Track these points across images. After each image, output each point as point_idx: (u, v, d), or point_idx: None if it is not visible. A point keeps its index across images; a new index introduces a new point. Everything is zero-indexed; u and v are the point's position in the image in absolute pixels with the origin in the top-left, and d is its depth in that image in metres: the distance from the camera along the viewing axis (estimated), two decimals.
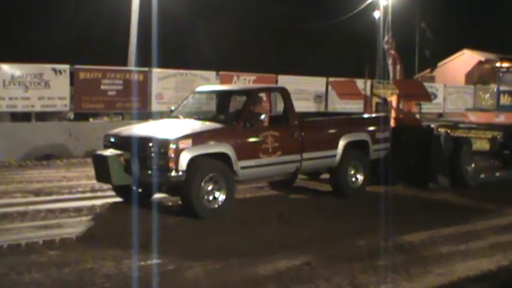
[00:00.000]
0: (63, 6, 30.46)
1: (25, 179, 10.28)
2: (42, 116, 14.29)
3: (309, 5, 41.69)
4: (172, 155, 7.25)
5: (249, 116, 8.14)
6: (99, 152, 8.05)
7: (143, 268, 5.57)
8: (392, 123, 10.95)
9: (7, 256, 5.83)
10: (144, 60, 17.58)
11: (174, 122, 8.60)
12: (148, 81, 15.23)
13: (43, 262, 5.64)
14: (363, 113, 12.71)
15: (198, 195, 7.40)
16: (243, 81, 17.03)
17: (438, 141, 10.36)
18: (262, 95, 9.47)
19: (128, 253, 5.95)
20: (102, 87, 14.41)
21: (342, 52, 37.66)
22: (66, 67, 13.83)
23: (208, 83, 14.95)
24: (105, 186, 8.68)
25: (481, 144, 11.76)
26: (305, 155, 8.64)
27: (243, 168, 7.87)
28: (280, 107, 9.43)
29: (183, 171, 7.29)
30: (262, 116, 8.23)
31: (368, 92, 16.44)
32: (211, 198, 7.59)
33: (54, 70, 13.60)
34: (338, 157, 9.05)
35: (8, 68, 13.07)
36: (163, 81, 15.55)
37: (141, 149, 7.50)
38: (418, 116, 13.45)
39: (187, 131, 7.70)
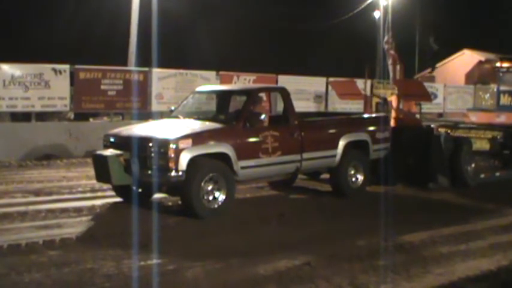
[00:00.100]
0: (63, 6, 30.46)
1: (25, 179, 10.28)
2: (42, 116, 14.30)
3: (309, 5, 41.69)
4: (172, 155, 7.25)
5: (249, 116, 8.14)
6: (99, 152, 8.04)
7: (143, 268, 5.57)
8: (392, 123, 10.95)
9: (7, 256, 5.83)
10: (144, 60, 17.59)
11: (174, 122, 8.60)
12: (149, 81, 15.23)
13: (43, 262, 5.64)
14: (363, 113, 12.72)
15: (198, 195, 7.40)
16: (243, 81, 17.03)
17: (438, 141, 10.36)
18: (262, 95, 9.47)
19: (128, 253, 5.95)
20: (102, 87, 14.41)
21: (342, 52, 37.66)
22: (66, 67, 13.83)
23: (209, 83, 14.95)
24: (105, 186, 8.68)
25: (481, 144, 11.76)
26: (305, 155, 8.64)
27: (243, 168, 7.87)
28: (280, 107, 9.43)
29: (183, 171, 7.29)
30: (262, 116, 8.23)
31: (368, 92, 16.44)
32: (211, 198, 7.59)
33: (54, 70, 13.60)
34: (338, 157, 9.05)
35: (8, 68, 13.07)
36: (164, 81, 15.55)
37: (141, 149, 7.49)
38: (418, 116, 13.47)
39: (187, 131, 7.70)
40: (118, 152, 7.75)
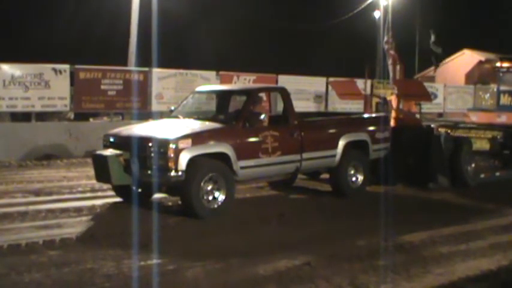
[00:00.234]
0: (63, 6, 30.48)
1: (25, 179, 10.28)
2: (42, 116, 14.30)
3: (309, 5, 41.76)
4: (172, 155, 7.25)
5: (248, 116, 8.14)
6: (98, 152, 8.04)
7: (143, 268, 5.57)
8: (392, 123, 10.95)
9: (7, 256, 5.83)
10: (144, 60, 17.60)
11: (173, 122, 8.60)
12: (149, 81, 15.23)
13: (43, 262, 5.64)
14: (363, 113, 12.72)
15: (197, 195, 7.40)
16: (243, 81, 17.03)
17: (438, 141, 10.36)
18: (262, 95, 9.47)
19: (128, 253, 5.95)
20: (102, 87, 14.41)
21: (342, 52, 37.68)
22: (66, 67, 13.83)
23: (209, 83, 14.95)
24: (105, 186, 8.68)
25: (481, 144, 11.76)
26: (305, 155, 8.63)
27: (242, 168, 7.87)
28: (280, 107, 9.43)
29: (182, 171, 7.29)
30: (262, 116, 8.23)
31: (368, 92, 16.44)
32: (210, 198, 7.59)
33: (54, 70, 13.60)
34: (338, 157, 9.05)
35: (8, 68, 13.07)
36: (164, 81, 15.55)
37: (140, 149, 7.49)
38: (418, 116, 13.47)
39: (187, 131, 7.70)
40: (118, 152, 7.75)
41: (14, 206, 7.99)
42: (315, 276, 5.41)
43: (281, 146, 8.31)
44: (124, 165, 7.65)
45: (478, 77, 30.74)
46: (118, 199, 8.40)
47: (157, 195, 8.29)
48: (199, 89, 9.99)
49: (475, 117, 18.56)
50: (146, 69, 15.55)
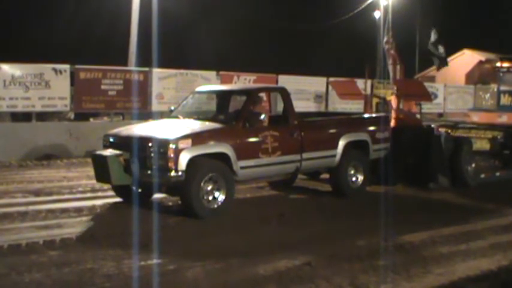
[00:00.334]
0: (63, 6, 30.49)
1: (25, 179, 10.29)
2: (42, 116, 14.30)
3: (309, 5, 41.76)
4: (172, 155, 7.25)
5: (248, 116, 8.14)
6: (98, 152, 8.04)
7: (143, 268, 5.57)
8: (392, 123, 10.94)
9: (7, 256, 5.83)
10: (145, 60, 17.60)
11: (173, 122, 8.60)
12: (149, 81, 15.23)
13: (43, 262, 5.64)
14: (363, 113, 12.71)
15: (197, 195, 7.40)
16: (244, 81, 17.03)
17: (438, 141, 10.36)
18: (262, 95, 9.47)
19: (128, 253, 5.95)
20: (103, 87, 14.41)
21: (342, 52, 37.67)
22: (66, 67, 13.83)
23: (209, 83, 14.95)
24: (106, 186, 8.68)
25: (481, 144, 11.76)
26: (305, 155, 8.63)
27: (242, 168, 7.87)
28: (280, 107, 9.43)
29: (182, 171, 7.29)
30: (262, 116, 8.23)
31: (368, 92, 16.43)
32: (210, 198, 7.59)
33: (55, 70, 13.60)
34: (338, 157, 9.04)
35: (8, 68, 13.07)
36: (164, 81, 15.55)
37: (140, 149, 7.50)
38: (418, 116, 13.46)
39: (187, 131, 7.70)
40: (118, 152, 7.75)
41: (14, 206, 8.00)
42: (315, 276, 5.41)
43: (281, 146, 8.31)
44: (124, 166, 7.65)
45: (478, 77, 30.76)
46: (118, 199, 8.40)
47: (157, 195, 8.29)
48: (199, 89, 9.99)
49: (476, 118, 18.56)
50: (146, 69, 15.55)
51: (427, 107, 18.58)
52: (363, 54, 29.45)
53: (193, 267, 5.60)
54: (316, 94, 18.94)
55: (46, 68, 13.57)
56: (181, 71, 16.07)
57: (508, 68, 19.27)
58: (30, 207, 7.88)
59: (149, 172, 7.42)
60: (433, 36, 13.46)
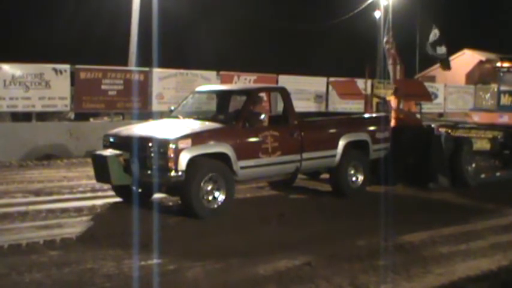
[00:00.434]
0: (63, 6, 30.50)
1: (26, 179, 10.29)
2: (42, 116, 14.30)
3: (309, 5, 41.76)
4: (172, 155, 7.25)
5: (248, 115, 8.14)
6: (98, 152, 8.04)
7: (143, 268, 5.57)
8: (392, 123, 10.94)
9: (8, 256, 5.84)
10: (145, 60, 17.60)
11: (173, 122, 8.60)
12: (149, 81, 15.24)
13: (43, 262, 5.64)
14: (363, 113, 12.71)
15: (197, 195, 7.40)
16: (244, 81, 17.03)
17: (438, 141, 10.36)
18: (262, 95, 9.47)
19: (128, 253, 5.95)
20: (103, 87, 14.41)
21: (342, 52, 37.67)
22: (66, 67, 13.84)
23: (209, 83, 14.95)
24: (106, 186, 8.68)
25: (482, 144, 11.76)
26: (305, 155, 8.63)
27: (242, 168, 7.87)
28: (280, 107, 9.43)
29: (182, 171, 7.29)
30: (262, 116, 8.23)
31: (368, 92, 16.44)
32: (210, 198, 7.59)
33: (55, 70, 13.60)
34: (338, 157, 9.04)
35: (8, 68, 13.07)
36: (164, 81, 15.55)
37: (140, 149, 7.49)
38: (418, 116, 13.46)
39: (187, 131, 7.70)
40: (117, 152, 7.75)
41: (15, 206, 8.00)
42: (315, 276, 5.41)
43: (281, 146, 8.31)
44: (124, 165, 7.65)
45: (478, 77, 30.78)
46: (118, 199, 8.40)
47: (157, 195, 8.29)
48: (199, 89, 9.99)
49: (477, 118, 18.55)
50: (147, 69, 15.56)
51: (427, 107, 18.61)
52: (363, 54, 29.45)
53: (193, 267, 5.60)
54: (316, 94, 18.94)
55: (46, 68, 13.58)
56: (181, 71, 16.08)
57: (508, 68, 19.25)
58: (31, 207, 7.88)
59: (149, 172, 7.42)
60: (431, 37, 13.42)
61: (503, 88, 19.37)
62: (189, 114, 8.80)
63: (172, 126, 8.19)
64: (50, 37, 28.61)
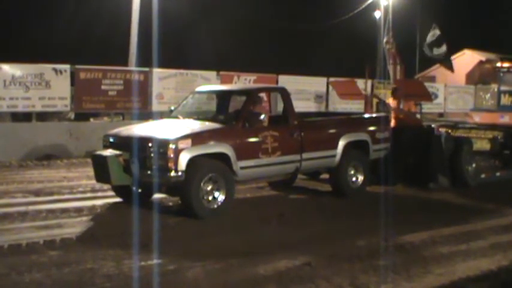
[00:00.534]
0: (63, 6, 30.48)
1: (25, 179, 10.29)
2: (42, 116, 14.30)
3: (309, 5, 41.75)
4: (172, 155, 7.25)
5: (248, 116, 8.14)
6: (98, 152, 8.05)
7: (143, 268, 5.57)
8: (392, 123, 10.94)
9: (8, 256, 5.84)
10: (145, 60, 17.59)
11: (173, 122, 8.60)
12: (149, 81, 15.23)
13: (43, 262, 5.64)
14: (363, 113, 12.71)
15: (197, 195, 7.40)
16: (244, 81, 17.03)
17: (438, 141, 10.36)
18: (262, 95, 9.47)
19: (128, 253, 5.95)
20: (103, 87, 14.41)
21: (342, 52, 37.66)
22: (66, 67, 13.83)
23: (209, 83, 14.95)
24: (106, 186, 8.68)
25: (482, 144, 11.77)
26: (305, 155, 8.63)
27: (242, 168, 7.87)
28: (280, 107, 9.43)
29: (182, 172, 7.29)
30: (262, 116, 8.22)
31: (369, 92, 16.43)
32: (210, 198, 7.59)
33: (55, 70, 13.60)
34: (338, 157, 9.04)
35: (8, 68, 13.07)
36: (164, 81, 15.55)
37: (140, 149, 7.49)
38: (418, 116, 13.46)
39: (187, 131, 7.70)
40: (117, 152, 7.75)
41: (15, 206, 8.00)
42: (315, 276, 5.41)
43: (281, 146, 8.31)
44: (124, 166, 7.65)
45: (478, 77, 30.75)
46: (118, 199, 8.40)
47: (157, 196, 8.29)
48: (199, 89, 9.99)
49: (478, 118, 18.58)
50: (146, 69, 15.55)
51: (427, 107, 18.60)
52: (363, 54, 29.44)
53: (193, 267, 5.60)
54: (316, 94, 18.93)
55: (46, 68, 13.57)
56: (181, 71, 16.07)
57: (508, 68, 19.27)
58: (31, 207, 7.88)
59: (149, 172, 7.42)
60: (429, 38, 13.41)
61: (503, 88, 19.39)
62: (189, 115, 8.80)
63: (172, 126, 8.19)
64: (50, 37, 28.61)
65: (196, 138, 7.56)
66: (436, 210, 8.63)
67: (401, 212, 8.15)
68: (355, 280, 5.33)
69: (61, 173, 11.14)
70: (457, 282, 5.38)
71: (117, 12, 22.53)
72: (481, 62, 32.78)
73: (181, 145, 7.32)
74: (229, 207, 7.73)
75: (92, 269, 5.48)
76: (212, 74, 16.59)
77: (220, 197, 7.64)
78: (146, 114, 14.85)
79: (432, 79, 29.88)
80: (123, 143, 7.87)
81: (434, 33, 13.50)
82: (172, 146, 7.27)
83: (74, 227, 7.03)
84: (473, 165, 10.73)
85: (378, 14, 34.80)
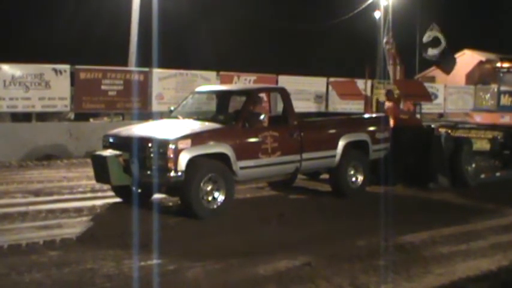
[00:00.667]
0: (63, 6, 30.48)
1: (25, 179, 10.29)
2: (42, 116, 14.30)
3: (309, 5, 41.75)
4: (171, 155, 7.25)
5: (248, 116, 8.14)
6: (98, 153, 8.05)
7: (143, 268, 5.57)
8: (392, 123, 10.94)
9: (8, 256, 5.83)
10: (145, 60, 17.58)
11: (173, 122, 8.60)
12: (149, 82, 15.24)
13: (43, 262, 5.64)
14: (363, 113, 12.71)
15: (197, 195, 7.40)
16: (244, 81, 17.03)
17: (438, 141, 10.36)
18: (262, 95, 9.46)
19: (128, 253, 5.95)
20: (103, 87, 14.41)
21: (342, 52, 37.65)
22: (66, 67, 13.84)
23: (209, 83, 14.96)
24: (106, 186, 8.68)
25: (481, 144, 11.77)
26: (304, 155, 8.63)
27: (242, 168, 7.87)
28: (280, 107, 9.43)
29: (182, 172, 7.29)
30: (262, 116, 8.22)
31: (368, 92, 16.45)
32: (210, 198, 7.59)
33: (55, 70, 13.60)
34: (338, 157, 9.04)
35: (8, 68, 13.08)
36: (164, 82, 15.55)
37: (140, 150, 7.49)
38: (418, 116, 13.47)
39: (187, 131, 7.70)
40: (117, 152, 7.75)
41: (14, 206, 8.00)
42: (315, 276, 5.41)
43: (281, 147, 8.31)
44: (123, 166, 7.65)
45: (478, 77, 30.76)
46: (118, 199, 8.40)
47: (157, 196, 8.29)
48: (199, 89, 9.99)
49: (478, 118, 18.58)
50: (146, 69, 15.56)
51: (427, 108, 18.59)
52: (363, 54, 29.47)
53: (193, 267, 5.60)
54: (316, 94, 18.94)
55: (46, 68, 13.58)
56: (181, 71, 16.08)
57: (508, 68, 19.28)
58: (30, 208, 7.88)
59: (149, 172, 7.42)
60: (425, 38, 13.42)
61: (503, 88, 19.40)
62: (188, 115, 8.80)
63: (172, 126, 8.19)
64: (50, 37, 28.60)
65: (196, 138, 7.56)
66: (436, 210, 8.63)
67: (401, 212, 8.15)
68: (355, 280, 5.33)
69: (61, 173, 11.14)
70: (457, 282, 5.38)
71: (117, 12, 22.53)
72: (481, 62, 32.79)
73: (181, 145, 7.32)
74: (229, 207, 7.73)
75: (92, 269, 5.48)
76: (212, 74, 16.59)
77: (220, 197, 7.64)
78: (146, 115, 14.85)
79: (432, 79, 29.86)
80: (123, 143, 7.87)
81: (430, 34, 13.52)
82: (172, 146, 7.27)
83: (74, 227, 7.03)
84: (473, 165, 10.73)
85: (377, 14, 34.80)
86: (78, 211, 7.81)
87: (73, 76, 13.95)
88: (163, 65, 16.13)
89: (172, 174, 7.26)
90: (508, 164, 11.85)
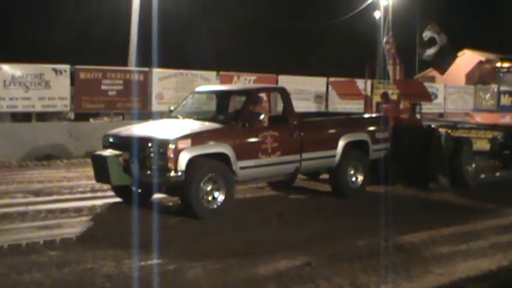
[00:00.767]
0: (63, 6, 30.48)
1: (25, 179, 10.29)
2: (42, 116, 14.31)
3: (309, 5, 41.76)
4: (171, 155, 7.24)
5: (248, 116, 8.14)
6: (98, 152, 8.05)
7: (143, 268, 5.57)
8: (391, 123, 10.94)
9: (8, 256, 5.84)
10: (145, 60, 17.59)
11: (173, 122, 8.60)
12: (149, 81, 15.24)
13: (43, 262, 5.64)
14: (363, 113, 12.71)
15: (197, 195, 7.40)
16: (244, 81, 17.03)
17: (438, 141, 10.36)
18: (262, 95, 9.47)
19: (128, 253, 5.95)
20: (103, 87, 14.41)
21: (342, 52, 37.65)
22: (66, 67, 13.84)
23: (209, 83, 14.95)
24: (106, 186, 8.68)
25: (481, 144, 11.77)
26: (304, 155, 8.63)
27: (242, 168, 7.87)
28: (280, 107, 9.43)
29: (182, 172, 7.29)
30: (262, 116, 8.22)
31: (368, 92, 16.45)
32: (210, 198, 7.59)
33: (55, 70, 13.61)
34: (338, 157, 9.04)
35: (8, 68, 13.08)
36: (164, 82, 15.55)
37: (140, 149, 7.49)
38: (418, 116, 13.48)
39: (187, 131, 7.70)
40: (117, 152, 7.75)
41: (14, 206, 8.00)
42: (315, 276, 5.41)
43: (281, 146, 8.31)
44: (123, 166, 7.65)
45: (478, 77, 30.76)
46: (118, 199, 8.40)
47: (157, 195, 8.29)
48: (199, 89, 9.99)
49: (479, 118, 18.60)
50: (146, 69, 15.56)
51: (427, 107, 18.59)
52: (363, 54, 29.46)
53: (193, 267, 5.60)
54: (316, 94, 18.94)
55: (46, 68, 13.58)
56: (181, 71, 16.08)
57: (508, 68, 19.30)
58: (30, 208, 7.88)
59: (149, 172, 7.42)
60: (424, 34, 13.41)
61: (503, 88, 19.41)
62: (188, 115, 8.80)
63: (172, 126, 8.19)
64: (50, 37, 28.60)
65: (196, 138, 7.56)
66: (436, 210, 8.63)
67: (401, 212, 8.15)
68: (355, 280, 5.33)
69: (61, 173, 11.14)
70: (457, 282, 5.38)
71: (117, 12, 22.53)
72: (480, 62, 32.78)
73: (181, 145, 7.32)
74: (229, 207, 7.73)
75: (92, 269, 5.48)
76: (212, 74, 16.59)
77: (220, 197, 7.64)
78: (146, 114, 14.85)
79: (432, 79, 29.86)
80: (123, 143, 7.87)
81: (426, 34, 13.52)
82: (172, 146, 7.27)
83: (74, 227, 7.03)
84: (473, 165, 10.73)
85: (377, 14, 34.80)
86: (78, 211, 7.81)
87: (73, 76, 13.96)
88: (163, 65, 16.13)
89: (172, 174, 7.26)
90: (508, 164, 11.85)
